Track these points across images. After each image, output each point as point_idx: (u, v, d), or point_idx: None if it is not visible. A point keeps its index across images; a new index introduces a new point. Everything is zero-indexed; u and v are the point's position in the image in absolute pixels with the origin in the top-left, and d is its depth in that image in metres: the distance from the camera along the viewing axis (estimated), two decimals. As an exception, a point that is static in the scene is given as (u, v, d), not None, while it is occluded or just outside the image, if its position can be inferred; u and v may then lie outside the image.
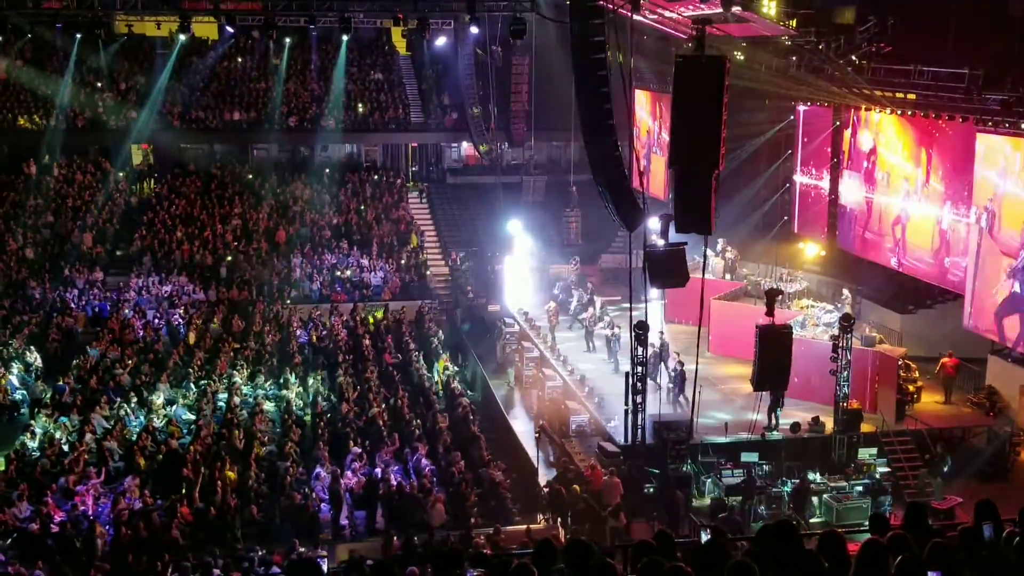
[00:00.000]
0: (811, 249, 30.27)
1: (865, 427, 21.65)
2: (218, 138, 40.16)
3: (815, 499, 19.72)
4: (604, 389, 24.36)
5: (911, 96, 25.19)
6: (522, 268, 32.71)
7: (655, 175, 36.52)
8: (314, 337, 29.39)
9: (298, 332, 29.82)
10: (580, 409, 24.03)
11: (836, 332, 21.52)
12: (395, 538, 17.22)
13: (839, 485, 20.08)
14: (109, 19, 36.96)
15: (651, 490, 20.07)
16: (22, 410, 25.32)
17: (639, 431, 20.66)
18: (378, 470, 20.05)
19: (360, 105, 41.02)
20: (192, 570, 15.39)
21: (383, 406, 23.59)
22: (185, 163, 39.54)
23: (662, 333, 24.50)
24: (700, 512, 19.46)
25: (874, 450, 21.12)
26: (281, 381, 25.96)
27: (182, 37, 34.03)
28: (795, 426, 21.59)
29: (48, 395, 25.08)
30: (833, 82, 27.10)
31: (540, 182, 41.74)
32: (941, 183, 24.31)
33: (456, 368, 27.68)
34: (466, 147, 43.20)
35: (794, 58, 28.71)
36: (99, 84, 38.39)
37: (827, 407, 21.73)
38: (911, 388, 22.94)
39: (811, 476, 20.18)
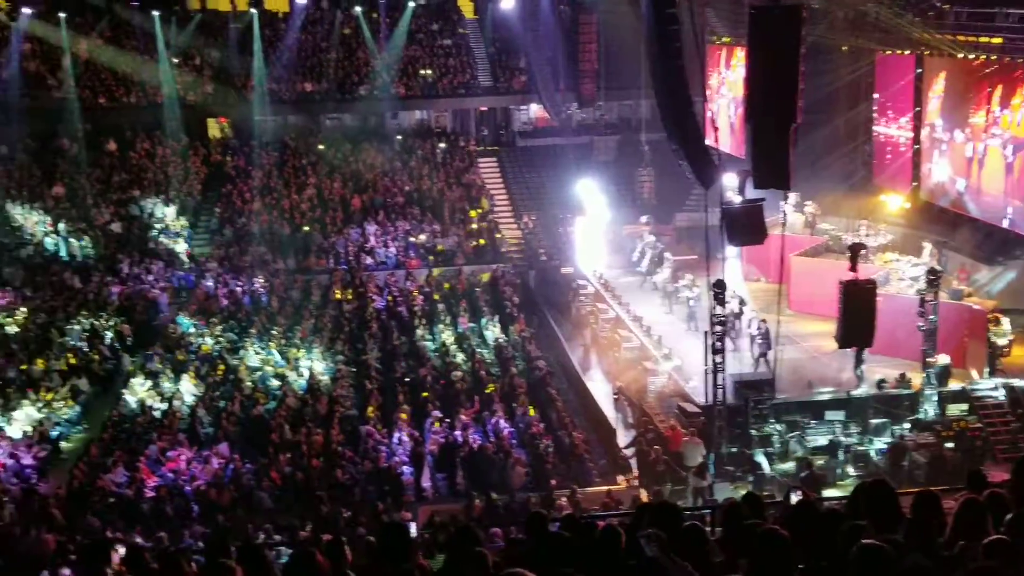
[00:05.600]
0: (894, 201, 29.34)
1: (954, 383, 21.09)
2: (291, 109, 40.62)
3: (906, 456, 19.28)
4: (682, 350, 24.12)
5: (996, 40, 24.13)
6: (595, 229, 32.43)
7: (731, 130, 35.80)
8: (391, 302, 29.73)
9: (374, 298, 30.20)
10: (658, 370, 23.85)
11: (923, 286, 20.90)
12: (477, 500, 17.42)
13: (929, 442, 19.60)
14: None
15: (734, 450, 19.88)
16: (115, 379, 26.22)
17: (719, 391, 20.45)
18: (458, 433, 20.27)
19: (428, 71, 40.99)
20: (280, 532, 15.84)
21: (461, 370, 23.80)
22: (260, 135, 40.11)
23: (737, 296, 23.98)
24: (784, 473, 19.22)
25: (965, 406, 20.55)
26: (359, 347, 26.38)
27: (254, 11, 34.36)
28: (881, 383, 21.12)
29: (139, 364, 25.93)
30: (914, 28, 26.10)
31: (611, 142, 41.24)
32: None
33: (531, 331, 27.72)
34: (535, 109, 42.90)
35: (872, 4, 27.71)
36: (175, 60, 39.06)
37: (914, 363, 21.18)
38: (1002, 342, 22.18)
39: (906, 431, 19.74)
